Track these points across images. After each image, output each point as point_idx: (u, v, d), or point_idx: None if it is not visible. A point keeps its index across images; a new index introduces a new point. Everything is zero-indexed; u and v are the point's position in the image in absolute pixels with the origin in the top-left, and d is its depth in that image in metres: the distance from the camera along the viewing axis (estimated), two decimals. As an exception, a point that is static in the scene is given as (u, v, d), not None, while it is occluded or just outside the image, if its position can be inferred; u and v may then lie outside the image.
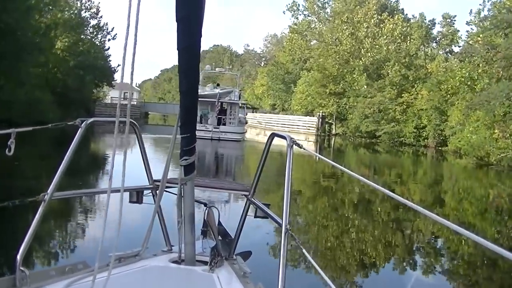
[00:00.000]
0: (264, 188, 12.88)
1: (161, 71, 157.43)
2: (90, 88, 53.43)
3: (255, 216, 3.84)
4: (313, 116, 60.36)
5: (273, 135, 3.64)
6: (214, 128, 36.45)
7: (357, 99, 53.48)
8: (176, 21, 2.72)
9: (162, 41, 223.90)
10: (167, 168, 3.43)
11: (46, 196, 2.87)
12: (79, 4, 57.30)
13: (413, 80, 49.51)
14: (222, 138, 35.46)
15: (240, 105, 41.37)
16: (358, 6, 59.41)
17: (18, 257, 2.70)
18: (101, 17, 60.44)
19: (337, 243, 10.24)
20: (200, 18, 2.79)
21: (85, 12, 58.33)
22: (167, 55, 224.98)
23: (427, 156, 39.99)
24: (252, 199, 3.89)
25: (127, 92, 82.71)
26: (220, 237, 3.90)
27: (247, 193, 3.99)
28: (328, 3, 69.54)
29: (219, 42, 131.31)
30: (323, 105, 58.96)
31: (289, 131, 56.53)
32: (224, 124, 38.01)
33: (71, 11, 54.28)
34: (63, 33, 49.94)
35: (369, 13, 56.87)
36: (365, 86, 52.44)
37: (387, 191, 2.15)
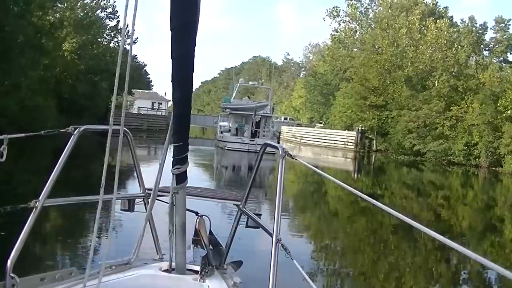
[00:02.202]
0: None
1: (201, 83, 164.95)
2: (105, 96, 51.20)
3: (247, 226, 4.05)
4: (352, 130, 58.57)
5: (265, 145, 3.99)
6: (250, 140, 38.66)
7: (400, 112, 51.80)
8: (170, 30, 2.91)
9: (203, 53, 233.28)
10: (159, 176, 3.65)
11: (37, 203, 3.03)
12: (92, 3, 54.36)
13: (463, 91, 47.12)
14: (258, 151, 36.53)
15: (273, 118, 45.09)
16: (404, 13, 57.05)
17: (9, 263, 2.83)
18: (118, 17, 56.54)
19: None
20: (195, 27, 2.97)
21: (101, 12, 55.61)
22: (207, 67, 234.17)
23: (479, 177, 38.10)
24: (244, 208, 4.07)
25: (155, 102, 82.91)
26: (211, 246, 4.06)
27: (238, 203, 4.20)
28: (372, 8, 67.65)
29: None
30: (363, 118, 57.31)
31: (325, 147, 56.00)
32: (258, 137, 40.30)
33: (85, 10, 51.64)
34: (73, 33, 47.37)
35: (413, 18, 54.38)
36: (408, 99, 49.98)
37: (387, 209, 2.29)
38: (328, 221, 15.91)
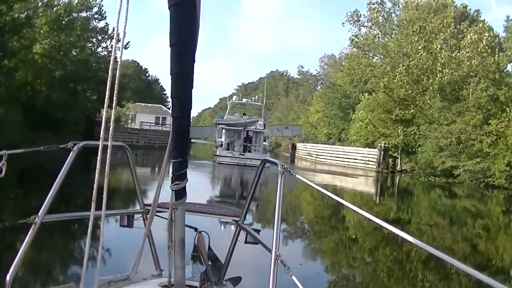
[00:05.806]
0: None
1: (219, 99, 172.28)
2: (88, 107, 47.23)
3: (245, 242, 4.52)
4: (374, 148, 55.78)
5: (264, 161, 4.36)
6: (240, 154, 43.12)
7: (430, 126, 48.20)
8: (170, 46, 3.04)
9: (221, 70, 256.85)
10: (158, 192, 3.86)
11: (37, 219, 3.23)
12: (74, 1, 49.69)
13: (504, 102, 42.66)
14: (247, 164, 40.14)
15: (264, 134, 50.18)
16: (432, 14, 53.78)
17: (8, 278, 3.01)
18: (105, 18, 52.15)
19: None
20: (194, 43, 3.14)
21: (86, 12, 51.03)
22: (225, 83, 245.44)
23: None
24: (243, 224, 4.57)
25: (159, 116, 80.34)
26: (210, 262, 4.32)
27: (237, 219, 4.72)
28: (395, 13, 64.43)
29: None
30: (386, 135, 54.46)
31: (344, 166, 52.78)
32: (250, 151, 44.71)
33: (65, 8, 47.05)
34: (48, 33, 43.19)
35: (445, 21, 50.80)
36: (440, 112, 46.19)
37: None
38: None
